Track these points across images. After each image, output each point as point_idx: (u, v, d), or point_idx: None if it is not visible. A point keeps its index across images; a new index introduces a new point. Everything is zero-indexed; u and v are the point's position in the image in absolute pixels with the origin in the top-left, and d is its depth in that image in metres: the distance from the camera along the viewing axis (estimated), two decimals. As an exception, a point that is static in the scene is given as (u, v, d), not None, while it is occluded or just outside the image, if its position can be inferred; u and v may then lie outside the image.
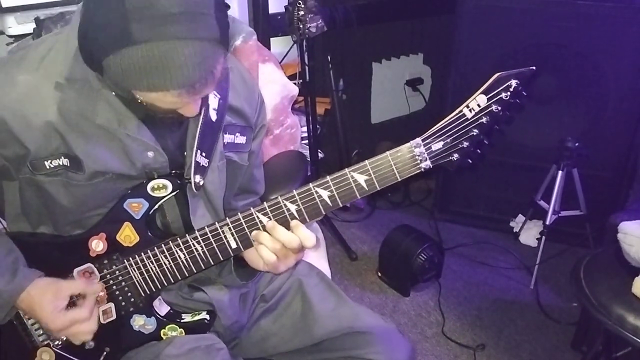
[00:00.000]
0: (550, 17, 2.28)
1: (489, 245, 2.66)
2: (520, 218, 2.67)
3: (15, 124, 0.97)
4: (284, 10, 2.34)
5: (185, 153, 1.08)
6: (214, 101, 1.09)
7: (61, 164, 1.01)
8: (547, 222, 2.33)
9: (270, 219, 1.01)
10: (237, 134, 1.17)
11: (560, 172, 2.26)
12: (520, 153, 2.54)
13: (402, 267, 2.32)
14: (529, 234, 2.63)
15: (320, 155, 2.66)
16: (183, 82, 0.85)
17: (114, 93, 0.98)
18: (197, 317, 1.14)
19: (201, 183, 1.07)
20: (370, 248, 2.65)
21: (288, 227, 1.01)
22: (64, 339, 1.08)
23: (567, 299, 2.32)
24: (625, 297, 1.54)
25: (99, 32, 0.85)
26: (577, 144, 2.21)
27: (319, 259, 1.91)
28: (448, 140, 0.97)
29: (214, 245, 1.04)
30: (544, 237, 2.37)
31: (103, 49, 0.85)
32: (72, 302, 1.06)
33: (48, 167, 1.00)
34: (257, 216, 1.01)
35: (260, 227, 1.02)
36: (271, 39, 2.54)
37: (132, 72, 0.84)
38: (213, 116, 1.09)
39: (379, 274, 2.46)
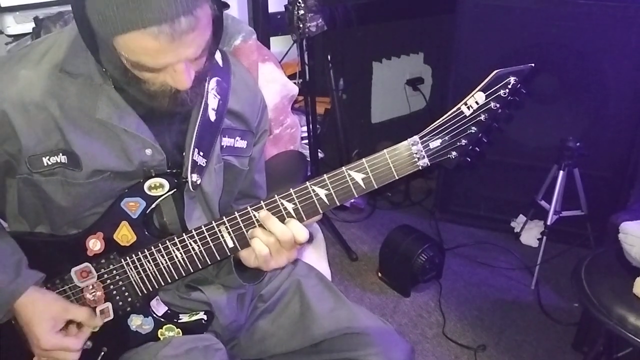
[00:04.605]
0: (550, 17, 2.27)
1: (489, 245, 2.65)
2: (521, 218, 2.66)
3: (17, 118, 0.97)
4: (283, 10, 2.34)
5: (184, 153, 1.07)
6: (213, 101, 1.09)
7: (59, 161, 1.00)
8: (548, 222, 2.32)
9: None
10: (237, 138, 1.16)
11: (561, 172, 2.25)
12: (521, 153, 2.53)
13: (402, 267, 2.31)
14: (530, 234, 2.62)
15: (320, 155, 2.66)
16: (158, 14, 0.80)
17: (113, 86, 0.98)
18: (194, 317, 1.14)
19: (198, 182, 1.06)
20: (371, 248, 2.64)
21: None
22: None
23: (568, 299, 2.31)
24: (627, 297, 1.54)
25: None
26: (578, 144, 2.20)
27: (318, 260, 1.90)
28: (446, 138, 0.96)
29: (211, 244, 1.04)
30: (545, 238, 2.36)
31: None
32: (65, 326, 1.05)
33: (46, 164, 1.00)
34: (253, 215, 1.01)
35: (257, 226, 1.01)
36: (271, 38, 2.54)
37: (109, 10, 0.82)
38: (212, 116, 1.08)
39: (380, 274, 2.45)
